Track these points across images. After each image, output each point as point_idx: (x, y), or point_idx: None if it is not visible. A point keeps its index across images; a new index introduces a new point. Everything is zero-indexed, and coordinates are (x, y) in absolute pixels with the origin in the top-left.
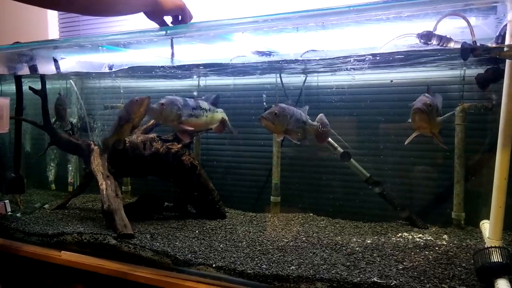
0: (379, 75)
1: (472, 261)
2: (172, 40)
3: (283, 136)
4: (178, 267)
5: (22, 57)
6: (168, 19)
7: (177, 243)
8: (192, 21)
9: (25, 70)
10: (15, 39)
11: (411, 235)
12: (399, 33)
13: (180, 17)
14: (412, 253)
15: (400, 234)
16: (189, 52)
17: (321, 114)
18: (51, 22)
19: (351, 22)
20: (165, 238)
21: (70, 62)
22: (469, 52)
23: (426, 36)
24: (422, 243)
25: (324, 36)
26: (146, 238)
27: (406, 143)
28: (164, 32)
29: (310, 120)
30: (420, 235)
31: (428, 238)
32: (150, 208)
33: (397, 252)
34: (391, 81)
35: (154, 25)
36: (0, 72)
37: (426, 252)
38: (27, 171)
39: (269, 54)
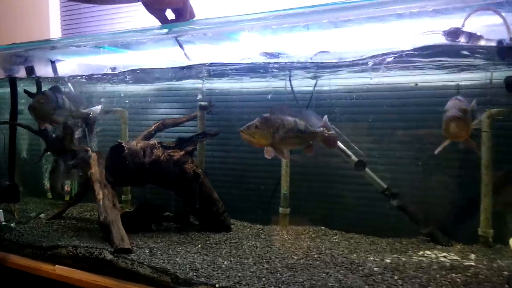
0: (400, 78)
1: (507, 286)
2: (178, 40)
3: (271, 151)
4: (178, 286)
5: (17, 58)
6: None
7: (177, 259)
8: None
9: (22, 73)
10: (16, 39)
11: (434, 253)
12: (422, 31)
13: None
14: (438, 276)
15: (422, 252)
16: (192, 53)
17: (325, 117)
18: (53, 21)
19: (369, 18)
20: (165, 253)
21: (70, 65)
22: (507, 50)
23: (454, 34)
24: (447, 264)
25: (337, 35)
26: (145, 253)
27: (436, 152)
28: (165, 31)
29: (311, 127)
30: (445, 253)
31: (454, 258)
32: (149, 218)
33: (421, 274)
34: (416, 84)
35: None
36: None
37: (453, 275)
38: (23, 178)
39: (277, 55)
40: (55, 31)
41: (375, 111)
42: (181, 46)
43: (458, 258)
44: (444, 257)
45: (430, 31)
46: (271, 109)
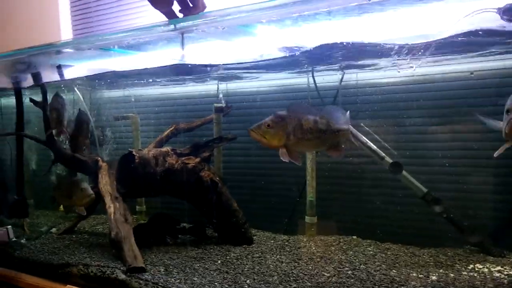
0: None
1: None
2: (183, 35)
3: (285, 153)
4: None
5: (21, 65)
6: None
7: (195, 279)
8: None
9: (29, 82)
10: (27, 42)
11: (487, 267)
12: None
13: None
14: None
15: (471, 266)
16: (205, 51)
17: (347, 112)
18: (63, 23)
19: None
20: (181, 272)
21: (80, 70)
22: None
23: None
24: (505, 281)
25: (363, 23)
26: (160, 272)
27: (496, 155)
28: (172, 26)
29: (335, 125)
30: (499, 267)
31: (511, 273)
32: (163, 230)
33: None
34: (472, 73)
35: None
36: (1, 85)
37: None
38: (33, 190)
39: (298, 50)
40: (66, 33)
41: (415, 106)
42: (182, 44)
43: None
44: (499, 271)
45: (481, 9)
46: (288, 107)
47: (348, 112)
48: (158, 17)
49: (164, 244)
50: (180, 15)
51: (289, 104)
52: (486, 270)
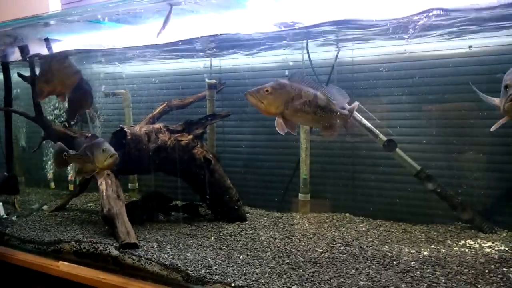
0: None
1: None
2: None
3: (281, 123)
4: (190, 285)
5: (8, 38)
6: None
7: (188, 254)
8: None
9: (16, 56)
10: (14, 14)
11: (478, 243)
12: None
13: None
14: (487, 271)
15: (463, 242)
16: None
17: (356, 103)
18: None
19: None
20: (174, 248)
21: (69, 46)
22: None
23: None
24: (496, 256)
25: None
26: (153, 248)
27: (493, 129)
28: None
29: (334, 106)
30: (490, 243)
31: (502, 248)
32: (156, 208)
33: (466, 269)
34: (470, 47)
35: None
36: None
37: (505, 269)
38: (24, 168)
39: (292, 25)
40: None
41: (406, 83)
42: (167, 18)
43: (507, 249)
44: (490, 247)
45: None
46: (290, 76)
47: (357, 103)
48: None
49: (157, 221)
50: None
51: (291, 73)
52: (477, 246)
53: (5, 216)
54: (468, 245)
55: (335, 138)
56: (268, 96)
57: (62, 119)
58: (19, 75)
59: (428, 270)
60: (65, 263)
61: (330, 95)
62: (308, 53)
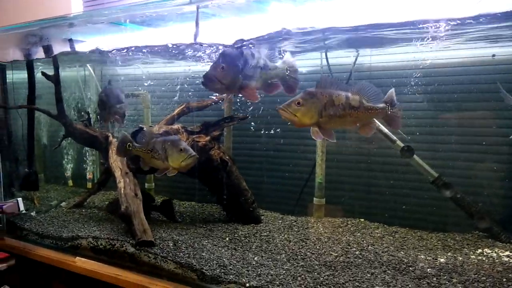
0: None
1: None
2: (198, 9)
3: (317, 132)
4: (204, 284)
5: (33, 38)
6: None
7: (204, 254)
8: None
9: (40, 54)
10: (35, 15)
11: (495, 252)
12: None
13: None
14: (504, 280)
15: (480, 251)
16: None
17: (391, 90)
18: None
19: None
20: (190, 247)
21: (91, 47)
22: None
23: None
24: None
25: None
26: (169, 247)
27: None
28: (188, 0)
29: (368, 102)
30: (508, 252)
31: None
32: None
33: (483, 277)
34: (493, 56)
35: None
36: (13, 57)
37: None
38: (44, 165)
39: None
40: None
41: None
42: (196, 21)
43: None
44: (508, 256)
45: None
46: (318, 83)
47: (393, 90)
48: None
49: (174, 221)
50: None
51: (318, 80)
52: (494, 254)
53: (24, 211)
54: (485, 253)
55: (351, 143)
56: (301, 108)
57: (83, 119)
58: (43, 74)
59: (445, 277)
60: (82, 259)
61: (361, 93)
62: (326, 56)
